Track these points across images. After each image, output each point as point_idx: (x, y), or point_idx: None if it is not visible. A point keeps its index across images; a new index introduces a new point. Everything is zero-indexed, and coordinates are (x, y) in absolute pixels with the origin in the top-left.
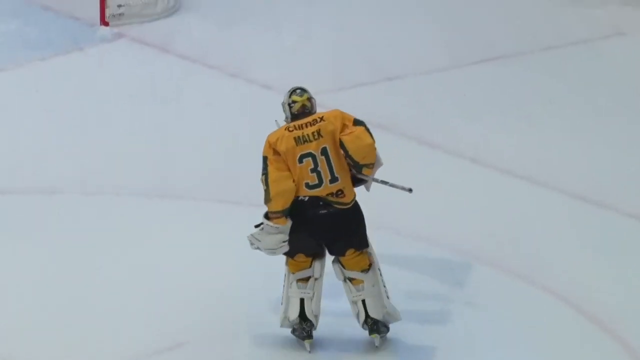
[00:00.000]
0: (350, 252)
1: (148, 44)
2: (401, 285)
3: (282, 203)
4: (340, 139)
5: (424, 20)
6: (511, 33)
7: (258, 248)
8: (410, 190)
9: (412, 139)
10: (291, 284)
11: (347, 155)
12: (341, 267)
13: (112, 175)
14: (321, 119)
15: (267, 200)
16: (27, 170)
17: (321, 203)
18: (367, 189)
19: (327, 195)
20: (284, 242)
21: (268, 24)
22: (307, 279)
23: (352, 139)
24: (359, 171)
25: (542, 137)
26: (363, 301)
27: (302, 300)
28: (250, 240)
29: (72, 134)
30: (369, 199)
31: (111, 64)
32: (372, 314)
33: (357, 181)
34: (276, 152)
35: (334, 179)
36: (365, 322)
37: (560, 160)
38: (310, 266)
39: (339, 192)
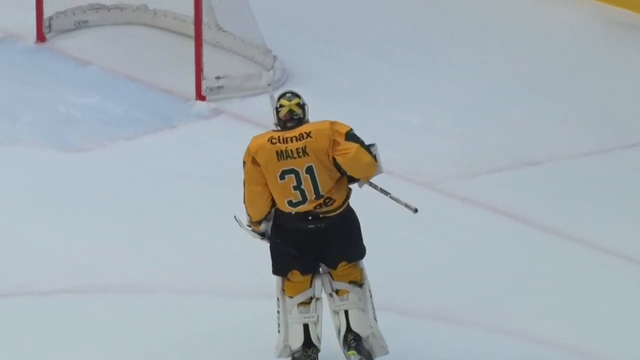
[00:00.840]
0: (342, 265)
1: (250, 121)
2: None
3: (254, 215)
4: (334, 157)
5: (559, 100)
6: None
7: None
8: (415, 210)
9: (553, 232)
10: (291, 310)
11: (343, 172)
12: (330, 279)
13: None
14: (308, 134)
15: (244, 203)
16: (108, 267)
17: (310, 217)
18: (360, 186)
19: (315, 207)
20: (261, 239)
21: (388, 100)
22: (308, 302)
23: (348, 160)
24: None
25: None
26: (346, 312)
27: (305, 326)
28: (237, 221)
29: (161, 224)
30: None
31: (209, 144)
32: (354, 327)
33: (351, 180)
34: (255, 162)
35: (319, 196)
36: (345, 338)
37: None
38: (311, 286)
39: (328, 200)
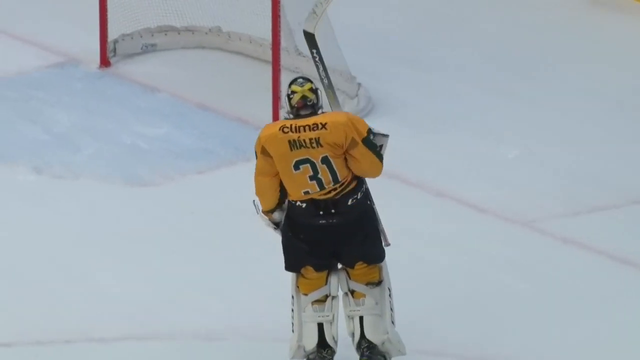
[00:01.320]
0: (359, 265)
1: None
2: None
3: (264, 205)
4: (346, 157)
5: None
6: None
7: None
8: (386, 244)
9: None
10: (305, 308)
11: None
12: (347, 277)
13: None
14: (323, 125)
15: (255, 192)
16: (177, 311)
17: (321, 212)
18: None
19: (329, 192)
20: (275, 230)
21: (482, 130)
22: (323, 300)
23: (359, 169)
24: None
25: None
26: (361, 318)
27: (320, 325)
28: (255, 206)
29: (236, 264)
30: None
31: None
32: (368, 335)
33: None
34: (265, 152)
35: (337, 182)
36: (359, 344)
37: None
38: (326, 283)
39: (342, 184)
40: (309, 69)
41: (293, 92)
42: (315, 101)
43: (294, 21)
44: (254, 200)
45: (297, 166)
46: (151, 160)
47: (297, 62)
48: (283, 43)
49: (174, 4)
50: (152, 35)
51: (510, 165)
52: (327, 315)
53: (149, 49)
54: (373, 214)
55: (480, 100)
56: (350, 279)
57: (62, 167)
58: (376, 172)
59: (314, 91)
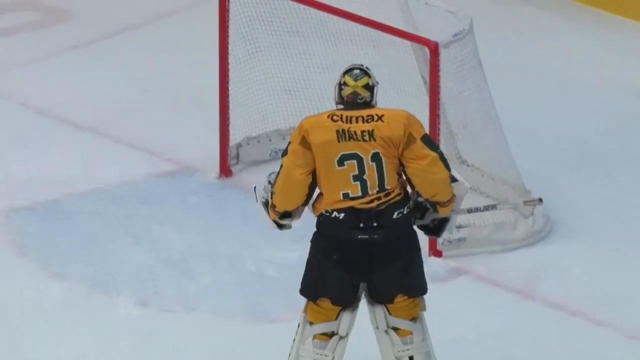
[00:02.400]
0: (400, 298)
1: (503, 286)
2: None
3: (283, 204)
4: (402, 163)
5: None
6: None
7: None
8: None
9: None
10: (305, 339)
11: (412, 187)
12: (386, 313)
13: None
14: (380, 117)
15: (273, 187)
16: None
17: (361, 225)
18: (450, 231)
19: (372, 202)
20: (277, 229)
21: None
22: (328, 336)
23: (417, 171)
24: (433, 209)
25: None
26: (410, 358)
27: None
28: (255, 193)
29: None
30: None
31: (448, 314)
32: None
33: (429, 231)
34: (306, 143)
35: (382, 189)
36: None
37: None
38: (337, 318)
39: (387, 193)
40: (474, 182)
41: (345, 84)
42: (368, 99)
43: (457, 123)
44: (254, 187)
45: (341, 161)
46: (281, 292)
47: (459, 172)
48: (443, 149)
49: (311, 97)
50: (284, 139)
51: None
52: (327, 356)
53: (279, 154)
54: (416, 236)
55: None
56: (390, 314)
57: (173, 299)
58: (441, 177)
59: (370, 88)
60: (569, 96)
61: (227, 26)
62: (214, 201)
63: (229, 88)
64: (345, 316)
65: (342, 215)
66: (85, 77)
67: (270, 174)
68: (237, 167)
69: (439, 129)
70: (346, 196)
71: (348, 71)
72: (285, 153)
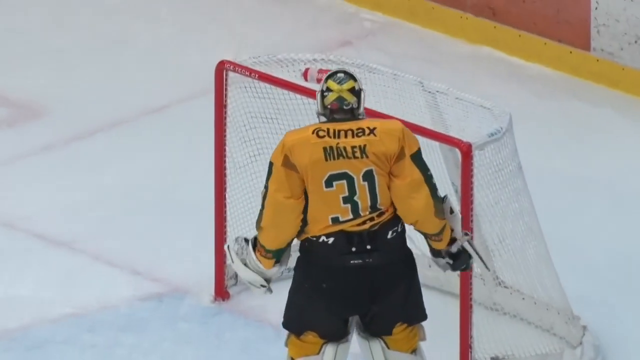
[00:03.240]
0: (399, 328)
1: None
2: None
3: (274, 240)
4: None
5: None
6: None
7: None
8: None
9: None
10: None
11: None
12: (384, 347)
13: None
14: (372, 131)
15: (258, 224)
16: None
17: (353, 249)
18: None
19: (364, 223)
20: (262, 286)
21: None
22: None
23: (396, 191)
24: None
25: None
26: None
27: None
28: (227, 253)
29: None
30: None
31: None
32: None
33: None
34: (289, 163)
35: (374, 209)
36: None
37: None
38: (319, 352)
39: (380, 213)
40: (513, 306)
41: (328, 90)
42: (355, 105)
43: (493, 237)
44: (227, 246)
45: (330, 182)
46: None
47: (496, 295)
48: (475, 269)
49: None
50: (290, 256)
51: None
52: None
53: (289, 273)
54: (413, 257)
55: None
56: (389, 348)
57: None
58: (422, 208)
59: (356, 93)
60: (623, 206)
61: (225, 125)
62: (208, 328)
63: (226, 196)
64: (329, 350)
65: (331, 240)
66: (58, 183)
67: (237, 238)
68: (235, 289)
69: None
70: (335, 220)
71: (330, 76)
72: (268, 177)
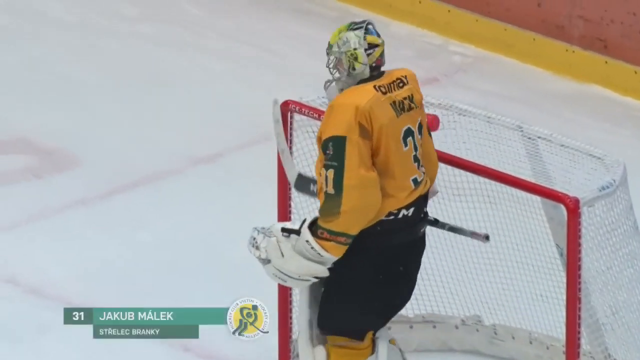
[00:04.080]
0: None
1: None
2: None
3: (357, 223)
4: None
5: None
6: None
7: (260, 259)
8: (486, 237)
9: None
10: None
11: None
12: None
13: None
14: (405, 78)
15: (333, 212)
16: None
17: (422, 216)
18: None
19: (426, 184)
20: (315, 278)
21: None
22: None
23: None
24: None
25: None
26: None
27: None
28: (252, 243)
29: None
30: None
31: None
32: None
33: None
34: (364, 131)
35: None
36: None
37: None
38: (374, 352)
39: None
40: None
41: (373, 46)
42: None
43: (605, 308)
44: (252, 234)
45: (405, 140)
46: None
47: None
48: (584, 346)
49: None
50: None
51: None
52: None
53: None
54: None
55: None
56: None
57: None
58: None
59: None
60: None
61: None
62: None
63: None
64: (381, 344)
65: (411, 211)
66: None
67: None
68: None
69: (579, 316)
70: (415, 182)
71: (357, 29)
72: (338, 156)
